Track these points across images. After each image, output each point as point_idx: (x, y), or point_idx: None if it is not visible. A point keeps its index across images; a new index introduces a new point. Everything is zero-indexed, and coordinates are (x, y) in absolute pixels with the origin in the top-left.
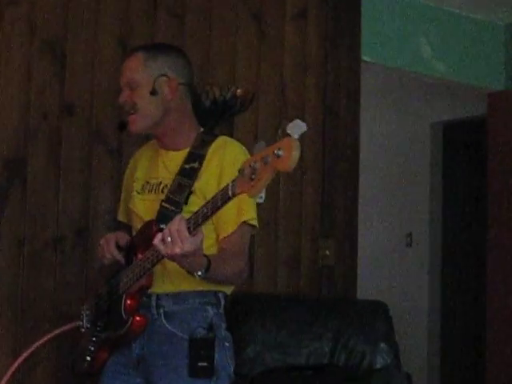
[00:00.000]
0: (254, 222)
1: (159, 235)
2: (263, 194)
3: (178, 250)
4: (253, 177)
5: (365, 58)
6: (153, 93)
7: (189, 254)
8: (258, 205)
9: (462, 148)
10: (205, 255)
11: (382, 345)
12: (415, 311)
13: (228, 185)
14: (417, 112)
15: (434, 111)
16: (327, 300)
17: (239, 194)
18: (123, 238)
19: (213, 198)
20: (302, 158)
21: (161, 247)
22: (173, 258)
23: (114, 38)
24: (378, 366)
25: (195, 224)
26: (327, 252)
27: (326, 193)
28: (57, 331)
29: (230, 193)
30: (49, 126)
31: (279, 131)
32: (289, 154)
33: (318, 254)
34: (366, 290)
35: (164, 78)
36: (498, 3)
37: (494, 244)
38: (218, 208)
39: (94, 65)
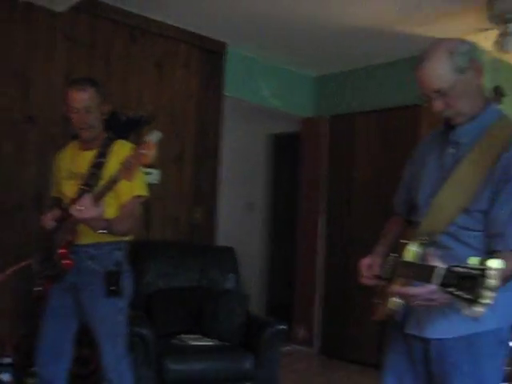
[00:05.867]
0: (143, 193)
1: (74, 205)
2: (158, 177)
3: (86, 215)
4: (129, 167)
5: (226, 93)
6: (88, 110)
7: (94, 218)
8: (154, 185)
9: (287, 151)
10: (106, 219)
11: (230, 275)
12: (254, 254)
13: (116, 173)
14: (258, 128)
15: (269, 128)
16: (197, 246)
17: (121, 179)
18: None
19: (107, 182)
20: (183, 153)
21: (75, 213)
22: (83, 220)
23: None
24: (227, 287)
25: (97, 198)
26: (197, 215)
27: (198, 177)
28: (17, 266)
29: (116, 178)
30: None
31: (145, 137)
32: (149, 153)
33: (191, 216)
34: (222, 239)
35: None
36: (311, 64)
37: (302, 211)
38: (110, 188)
39: None
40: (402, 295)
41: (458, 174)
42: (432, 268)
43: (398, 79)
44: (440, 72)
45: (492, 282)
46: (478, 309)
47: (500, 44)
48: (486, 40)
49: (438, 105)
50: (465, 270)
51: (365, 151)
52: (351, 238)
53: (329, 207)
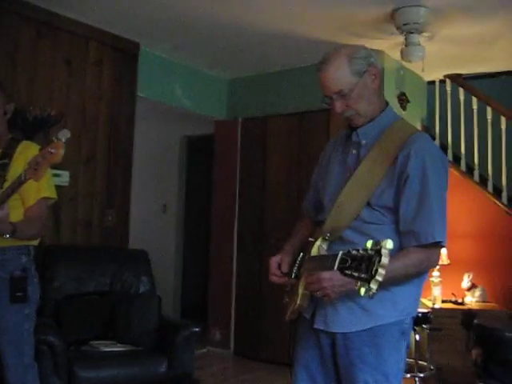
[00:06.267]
0: (51, 195)
1: None
2: (68, 179)
3: None
4: (36, 167)
5: (139, 94)
6: None
7: None
8: (64, 187)
9: (200, 153)
10: (11, 222)
11: (143, 278)
12: (166, 256)
13: (22, 173)
14: (172, 129)
15: (183, 129)
16: (109, 248)
17: (28, 179)
18: None
19: (12, 183)
20: (95, 154)
21: None
22: None
23: None
24: (141, 291)
25: (1, 200)
26: (110, 217)
27: (110, 178)
28: None
29: (22, 179)
30: None
31: (54, 137)
32: (58, 152)
33: (104, 218)
34: (135, 242)
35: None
36: (225, 67)
37: (216, 212)
38: (16, 189)
39: None
40: (307, 284)
41: (359, 172)
42: (334, 256)
43: (309, 83)
44: (340, 75)
45: (384, 259)
46: (373, 286)
47: (404, 53)
48: (394, 48)
49: (339, 106)
50: (361, 252)
51: (277, 154)
52: (264, 239)
53: (242, 209)
